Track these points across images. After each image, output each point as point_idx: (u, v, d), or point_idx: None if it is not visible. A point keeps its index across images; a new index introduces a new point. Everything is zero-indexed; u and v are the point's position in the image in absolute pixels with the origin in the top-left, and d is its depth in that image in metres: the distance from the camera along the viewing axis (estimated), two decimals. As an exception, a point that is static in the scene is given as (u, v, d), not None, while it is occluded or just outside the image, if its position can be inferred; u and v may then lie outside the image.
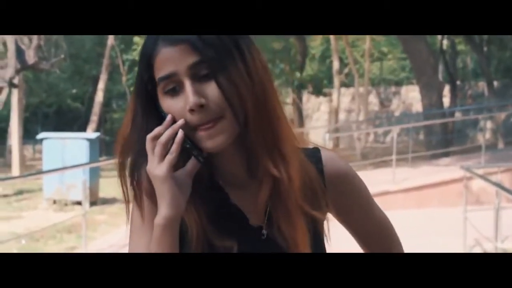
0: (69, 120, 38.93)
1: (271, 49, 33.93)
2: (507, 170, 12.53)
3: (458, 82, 30.72)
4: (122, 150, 1.56)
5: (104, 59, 31.47)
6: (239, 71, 1.46)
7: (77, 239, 10.29)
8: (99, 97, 30.79)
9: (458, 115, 26.62)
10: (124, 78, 35.47)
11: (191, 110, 1.43)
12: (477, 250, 8.66)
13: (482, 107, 25.62)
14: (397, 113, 34.78)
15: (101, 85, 30.80)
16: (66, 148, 13.97)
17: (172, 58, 1.44)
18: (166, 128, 1.45)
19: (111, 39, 30.73)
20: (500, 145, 21.44)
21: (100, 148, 17.46)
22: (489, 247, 8.27)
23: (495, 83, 28.35)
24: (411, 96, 33.28)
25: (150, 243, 1.53)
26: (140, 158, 1.51)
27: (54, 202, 13.96)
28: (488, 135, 24.48)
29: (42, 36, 17.57)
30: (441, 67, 28.23)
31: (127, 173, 1.56)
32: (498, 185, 7.67)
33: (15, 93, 21.64)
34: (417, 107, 27.53)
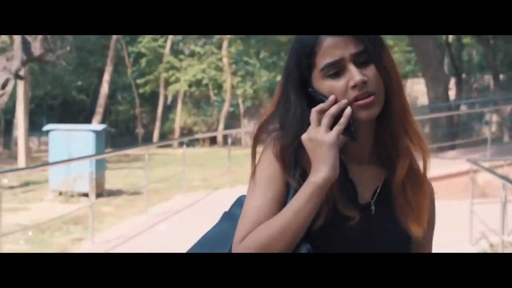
0: (75, 112, 38.98)
1: (277, 42, 33.97)
2: (513, 163, 12.51)
3: (463, 75, 30.67)
4: (262, 125, 1.82)
5: (110, 51, 31.53)
6: (389, 59, 1.78)
7: (84, 231, 10.33)
8: (105, 89, 30.85)
9: (463, 108, 26.59)
10: (129, 70, 35.52)
11: (355, 86, 1.71)
12: (483, 243, 8.67)
13: (488, 100, 25.58)
14: (402, 106, 34.69)
15: (106, 77, 30.85)
16: (72, 140, 13.97)
17: (337, 46, 1.72)
18: (330, 105, 1.71)
19: (116, 31, 30.72)
20: (506, 138, 21.42)
21: (106, 140, 17.46)
22: (495, 240, 8.28)
23: (501, 76, 28.27)
24: (417, 89, 33.21)
25: (277, 198, 1.74)
26: (294, 131, 1.75)
27: (60, 193, 13.97)
28: (494, 128, 24.43)
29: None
30: (446, 60, 28.20)
31: (274, 144, 1.77)
32: (504, 178, 7.67)
33: (20, 85, 21.65)
34: (423, 100, 27.44)
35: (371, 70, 1.73)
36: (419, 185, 1.84)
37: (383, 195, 1.83)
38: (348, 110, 1.70)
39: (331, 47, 1.72)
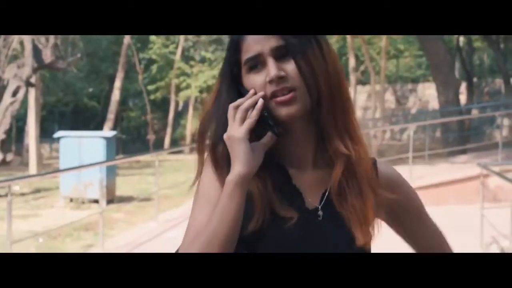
0: (86, 118, 39.12)
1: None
2: (525, 168, 12.46)
3: (474, 79, 30.60)
4: (204, 121, 1.76)
5: (121, 58, 31.60)
6: (315, 55, 1.67)
7: (94, 237, 10.34)
8: (116, 95, 30.91)
9: (474, 112, 26.49)
10: (140, 77, 35.58)
11: (271, 81, 1.64)
12: (494, 247, 8.63)
13: (499, 104, 25.49)
14: (413, 111, 34.67)
15: (117, 83, 30.92)
16: (83, 147, 14.03)
17: (258, 41, 1.67)
18: (247, 99, 1.66)
19: (127, 38, 30.83)
20: (517, 142, 21.31)
21: (117, 147, 17.50)
22: (506, 245, 8.24)
23: (512, 80, 28.16)
24: (428, 94, 33.23)
25: (213, 208, 1.65)
26: (222, 128, 1.69)
27: (71, 200, 14.01)
28: (505, 132, 24.35)
29: (59, 36, 17.64)
30: (457, 64, 28.12)
31: (207, 141, 1.74)
32: (515, 183, 7.63)
33: (32, 92, 21.74)
34: (434, 104, 27.43)
35: (291, 65, 1.66)
36: (359, 191, 1.73)
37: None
38: (260, 102, 1.64)
39: (253, 43, 1.67)
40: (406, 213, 1.88)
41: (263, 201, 1.68)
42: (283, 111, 1.65)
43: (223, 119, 1.70)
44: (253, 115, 1.63)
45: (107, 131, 22.96)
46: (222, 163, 1.70)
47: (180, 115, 39.19)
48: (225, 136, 1.65)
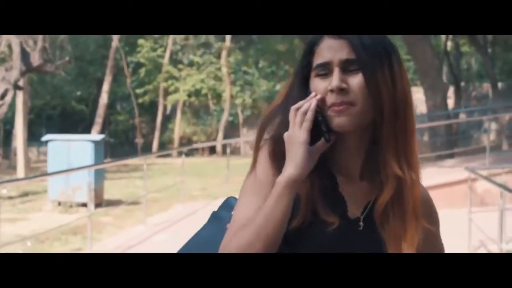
0: (74, 122, 38.99)
1: (276, 51, 33.99)
2: (512, 171, 12.51)
3: (462, 84, 30.71)
4: (269, 115, 1.81)
5: (109, 61, 31.53)
6: (384, 76, 1.67)
7: (82, 241, 10.32)
8: (104, 99, 30.83)
9: (462, 117, 26.60)
10: (128, 80, 35.51)
11: (331, 91, 1.67)
12: (482, 251, 8.66)
13: (487, 109, 25.58)
14: (401, 115, 34.69)
15: (105, 87, 30.84)
16: (71, 150, 13.99)
17: (331, 49, 1.70)
18: (308, 101, 1.69)
19: (115, 41, 30.75)
20: (505, 146, 21.41)
21: (105, 150, 17.46)
22: (493, 248, 8.27)
23: (500, 85, 28.33)
24: (415, 98, 33.22)
25: (262, 203, 1.68)
26: (286, 124, 1.71)
27: (59, 204, 13.97)
28: (492, 136, 24.43)
29: (47, 38, 17.60)
30: (445, 69, 28.21)
31: (268, 144, 1.77)
32: (503, 186, 7.67)
33: (20, 95, 21.67)
34: (422, 108, 27.44)
35: (356, 80, 1.67)
36: (403, 216, 1.74)
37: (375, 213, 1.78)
38: (314, 103, 1.68)
39: (326, 49, 1.70)
40: (426, 238, 1.84)
41: (308, 202, 1.72)
42: (335, 121, 1.68)
43: (285, 117, 1.73)
44: (308, 117, 1.67)
45: (95, 135, 22.90)
46: (280, 158, 1.72)
47: (168, 118, 39.11)
48: (285, 135, 1.69)
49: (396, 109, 1.68)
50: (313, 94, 1.70)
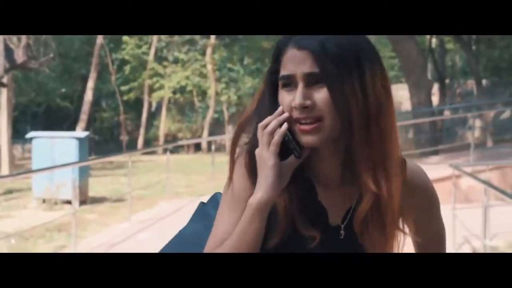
0: (59, 119, 38.85)
1: (260, 48, 33.98)
2: (496, 168, 12.58)
3: (447, 81, 30.82)
4: (243, 123, 1.76)
5: (93, 58, 31.40)
6: (352, 87, 1.59)
7: (67, 238, 10.28)
8: (88, 96, 30.71)
9: (447, 114, 26.69)
10: (113, 77, 35.40)
11: (295, 108, 1.60)
12: (466, 247, 8.70)
13: (471, 106, 25.71)
14: (386, 112, 34.74)
15: (90, 84, 30.72)
16: (56, 147, 13.93)
17: (294, 61, 1.62)
18: (275, 118, 1.64)
19: (100, 38, 30.65)
20: (489, 143, 21.49)
21: (90, 147, 17.40)
22: (477, 245, 8.31)
23: (484, 82, 28.45)
24: (400, 95, 33.32)
25: (239, 219, 1.68)
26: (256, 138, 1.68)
27: (44, 201, 13.91)
28: (477, 133, 24.55)
29: (31, 36, 17.51)
30: (430, 66, 28.31)
31: (244, 154, 1.74)
32: (487, 183, 7.69)
33: (4, 93, 21.58)
34: (406, 105, 27.53)
35: (321, 94, 1.59)
36: (382, 226, 1.69)
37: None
38: (283, 127, 1.62)
39: (289, 60, 1.62)
40: (421, 220, 1.85)
41: (287, 217, 1.70)
42: (304, 139, 1.62)
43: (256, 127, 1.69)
44: (275, 141, 1.62)
45: (80, 132, 22.80)
46: (255, 171, 1.67)
47: (153, 115, 39.07)
48: (256, 152, 1.65)
49: (368, 120, 1.60)
50: (280, 109, 1.64)
